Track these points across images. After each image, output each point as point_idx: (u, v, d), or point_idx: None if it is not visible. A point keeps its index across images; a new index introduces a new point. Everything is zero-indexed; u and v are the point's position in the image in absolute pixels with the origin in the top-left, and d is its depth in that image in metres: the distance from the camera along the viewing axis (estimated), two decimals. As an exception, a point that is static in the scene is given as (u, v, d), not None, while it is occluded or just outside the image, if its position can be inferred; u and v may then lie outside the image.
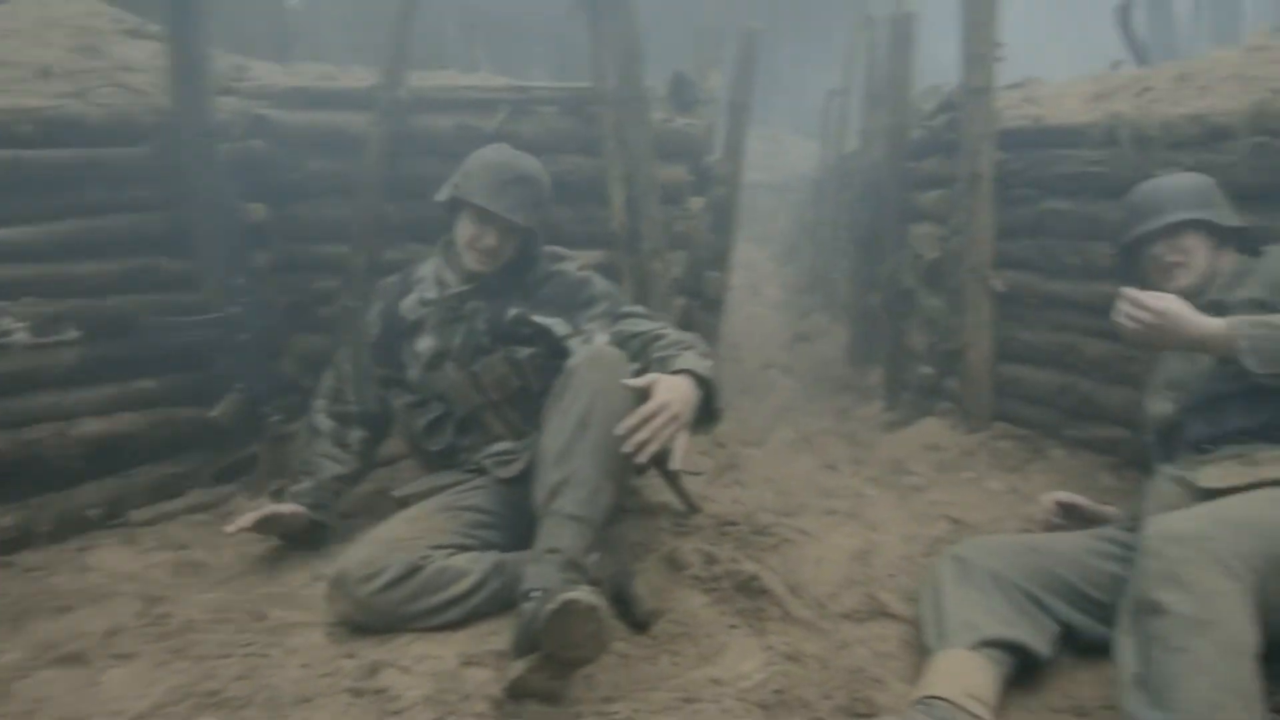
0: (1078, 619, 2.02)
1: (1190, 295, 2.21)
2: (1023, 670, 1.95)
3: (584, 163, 3.27)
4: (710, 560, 2.61)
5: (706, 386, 2.23)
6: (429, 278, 2.65)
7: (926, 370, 3.97)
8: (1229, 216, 2.36)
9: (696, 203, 3.47)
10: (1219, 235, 2.34)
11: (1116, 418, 3.20)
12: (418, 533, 2.21)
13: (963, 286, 3.59)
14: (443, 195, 2.57)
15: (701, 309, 3.85)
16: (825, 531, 2.95)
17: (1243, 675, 1.54)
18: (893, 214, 4.26)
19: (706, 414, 2.28)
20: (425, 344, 2.55)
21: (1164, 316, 2.00)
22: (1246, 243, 2.38)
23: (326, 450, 2.68)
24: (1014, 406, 3.62)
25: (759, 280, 10.36)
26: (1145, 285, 2.28)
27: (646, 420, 2.04)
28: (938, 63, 6.95)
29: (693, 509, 2.96)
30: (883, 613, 2.38)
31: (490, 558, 2.23)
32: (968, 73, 3.36)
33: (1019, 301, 3.52)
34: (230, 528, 2.43)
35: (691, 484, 3.24)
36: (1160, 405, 2.32)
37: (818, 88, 10.59)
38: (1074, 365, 3.35)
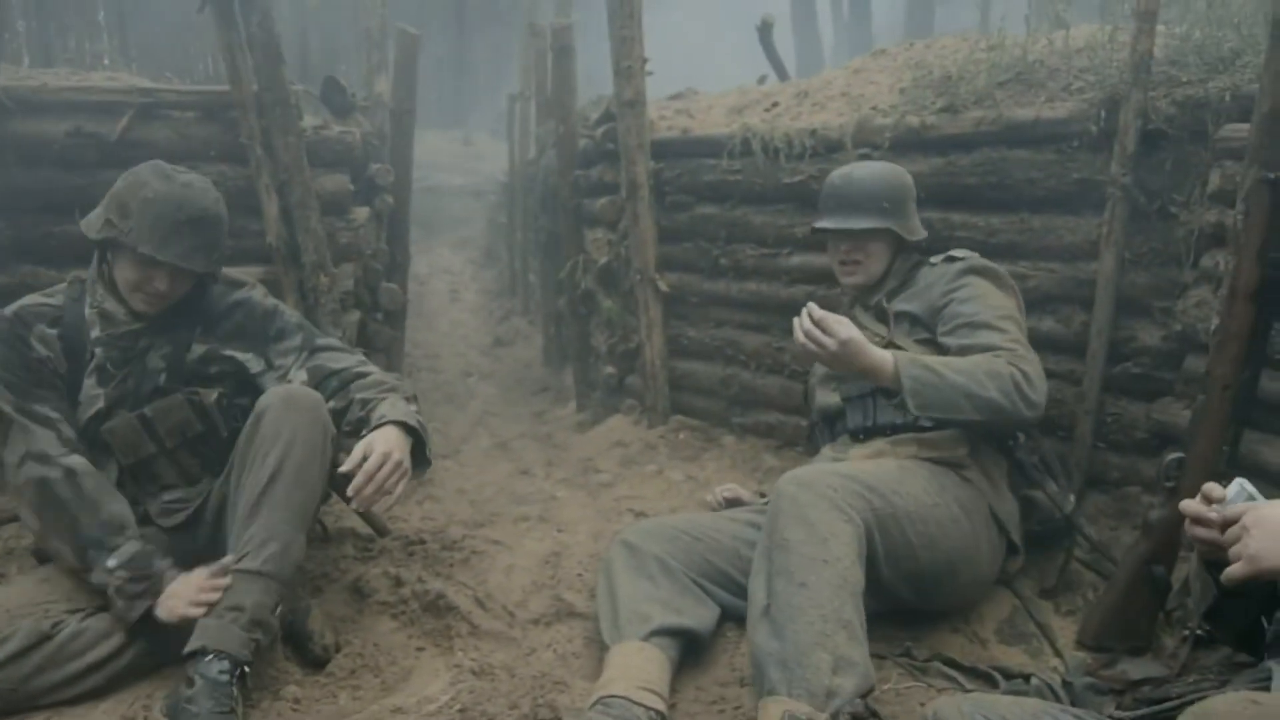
0: (735, 604, 2.18)
1: (862, 292, 2.48)
2: (690, 650, 2.10)
3: (230, 172, 3.03)
4: (397, 583, 2.54)
5: (415, 434, 2.16)
6: (89, 312, 2.18)
7: (610, 370, 4.13)
8: (914, 228, 2.45)
9: (361, 213, 3.33)
10: (901, 241, 2.44)
11: (774, 404, 3.53)
12: (51, 595, 1.95)
13: (634, 288, 3.77)
14: (95, 232, 2.10)
15: (381, 322, 3.72)
16: (516, 539, 2.98)
17: (849, 610, 1.76)
18: (569, 219, 4.38)
19: (417, 460, 2.20)
20: (95, 391, 2.15)
21: (845, 346, 2.07)
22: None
23: (111, 493, 2.09)
24: (688, 399, 3.86)
25: (458, 285, 10.26)
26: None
27: (371, 476, 1.98)
28: (600, 66, 7.25)
29: (381, 532, 2.86)
30: (569, 613, 2.45)
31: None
32: (619, 86, 3.52)
33: (683, 301, 3.76)
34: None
35: (378, 506, 3.14)
36: (826, 396, 2.46)
37: (510, 89, 10.65)
38: (735, 358, 3.64)
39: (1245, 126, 2.21)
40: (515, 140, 8.66)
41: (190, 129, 3.02)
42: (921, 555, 2.03)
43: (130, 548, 1.98)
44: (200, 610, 1.89)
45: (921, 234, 2.47)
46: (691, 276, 3.71)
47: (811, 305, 2.13)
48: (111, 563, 1.94)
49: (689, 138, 3.57)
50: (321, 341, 2.38)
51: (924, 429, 2.25)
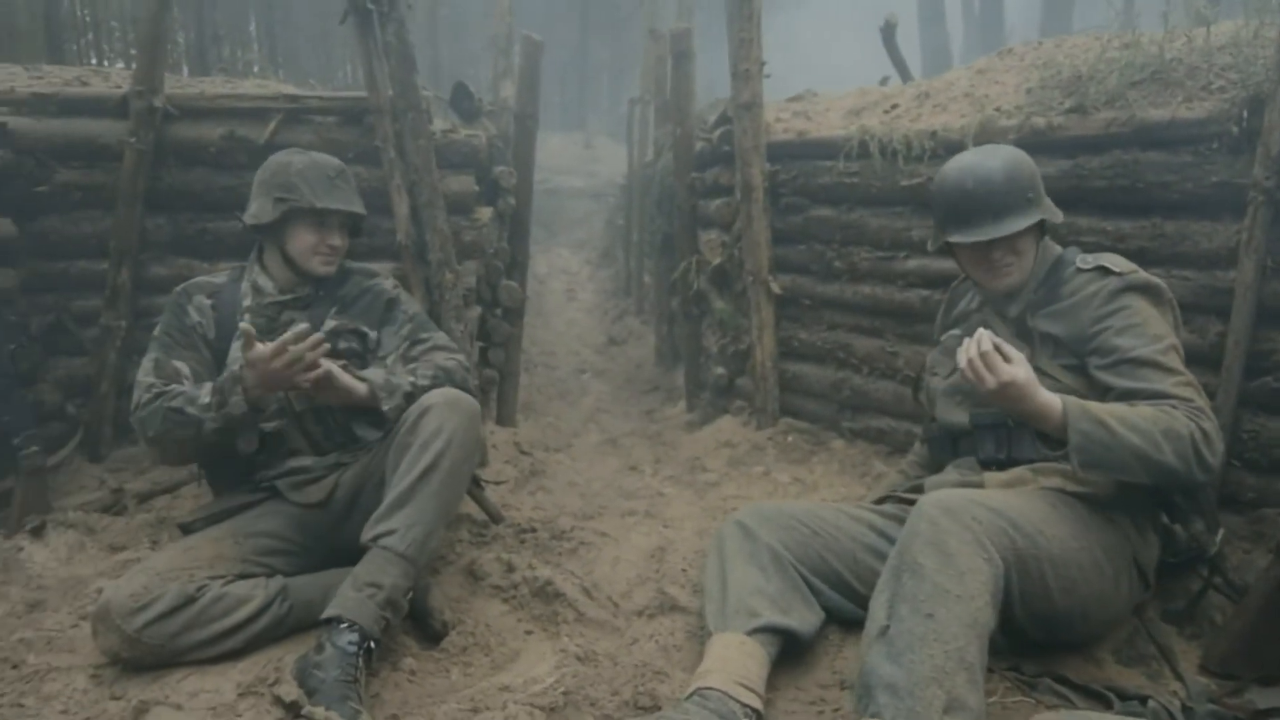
0: (845, 606, 2.17)
1: (1014, 291, 2.22)
2: (790, 648, 2.09)
3: (365, 173, 3.22)
4: (509, 568, 2.65)
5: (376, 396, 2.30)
6: (245, 285, 2.52)
7: (720, 371, 4.16)
8: (1052, 208, 2.20)
9: (485, 212, 3.48)
10: (1042, 226, 2.21)
11: (886, 409, 3.48)
12: (196, 561, 2.12)
13: (746, 290, 3.78)
14: (269, 216, 2.41)
15: (501, 318, 3.86)
16: (623, 532, 3.05)
17: (973, 650, 1.64)
18: (685, 221, 4.43)
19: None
20: (238, 354, 2.37)
21: (1005, 389, 1.92)
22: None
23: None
24: (798, 402, 3.85)
25: (575, 285, 10.48)
26: (963, 271, 2.30)
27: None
28: (719, 70, 7.25)
29: (494, 519, 2.98)
30: (672, 607, 2.49)
31: (276, 582, 2.17)
32: (736, 88, 3.55)
33: (796, 303, 3.75)
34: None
35: (494, 493, 3.27)
36: (953, 414, 2.27)
37: (630, 92, 10.80)
38: (847, 361, 3.61)
39: None
40: (634, 143, 8.78)
41: (331, 132, 3.22)
42: (1058, 600, 1.92)
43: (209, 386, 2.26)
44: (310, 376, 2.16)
45: (1059, 213, 2.21)
46: (805, 279, 3.70)
47: (984, 334, 1.95)
48: (204, 399, 2.21)
49: (805, 140, 3.56)
50: (423, 335, 2.56)
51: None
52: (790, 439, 3.74)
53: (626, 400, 5.52)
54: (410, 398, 2.31)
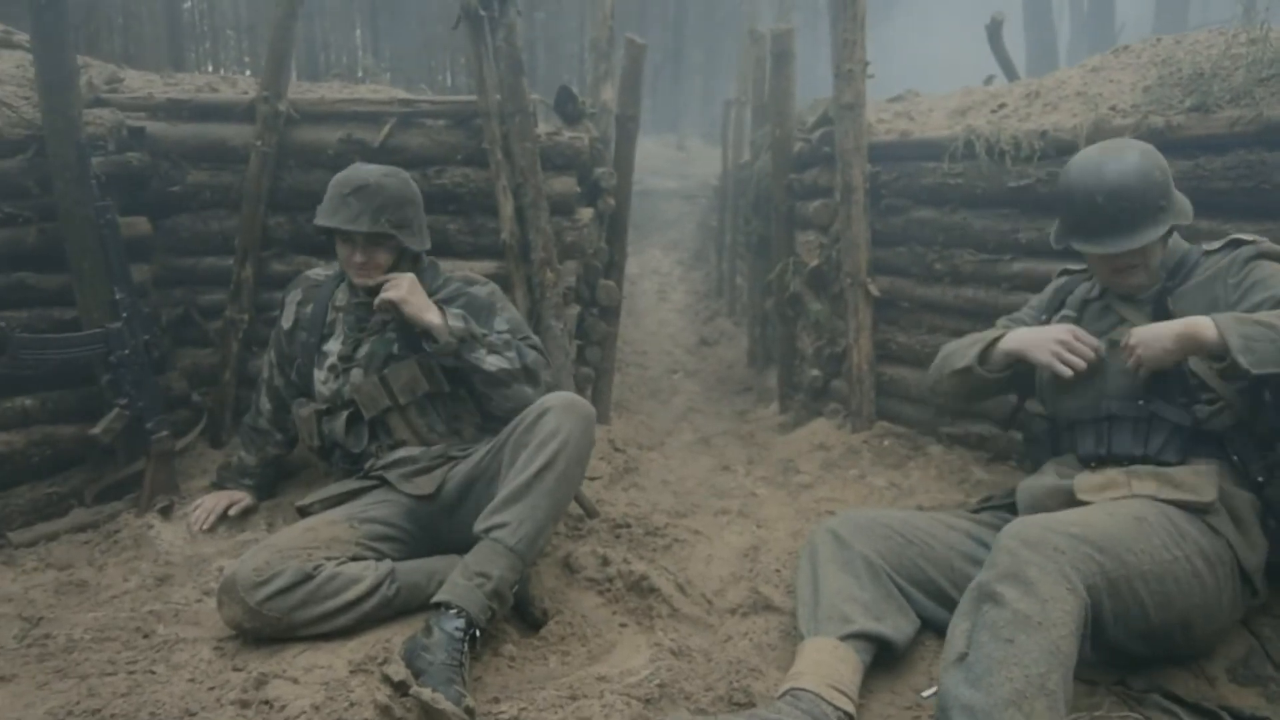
0: (941, 615, 2.13)
1: (1142, 289, 2.24)
2: (884, 656, 2.07)
3: (473, 174, 3.32)
4: (604, 562, 2.69)
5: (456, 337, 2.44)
6: (343, 285, 2.69)
7: (815, 373, 4.13)
8: (1181, 210, 2.18)
9: (586, 213, 3.54)
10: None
11: (986, 415, 3.40)
12: (313, 542, 2.23)
13: (844, 292, 3.75)
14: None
15: (597, 316, 3.93)
16: (716, 530, 3.07)
17: (1055, 679, 1.59)
18: (781, 222, 4.42)
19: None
20: (334, 347, 2.60)
21: (1140, 345, 2.02)
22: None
23: (264, 429, 2.89)
24: (894, 406, 3.80)
25: (667, 286, 10.53)
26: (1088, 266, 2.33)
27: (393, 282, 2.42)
28: (817, 71, 7.18)
29: (590, 513, 3.04)
30: (766, 606, 2.49)
31: (385, 565, 2.26)
32: (839, 89, 3.52)
33: (894, 306, 3.71)
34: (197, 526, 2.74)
35: (589, 488, 3.33)
36: (1060, 405, 2.30)
37: (725, 94, 10.80)
38: (946, 365, 3.53)
39: None
40: (729, 145, 8.78)
41: (441, 135, 3.34)
42: (1154, 615, 1.85)
43: (239, 467, 2.89)
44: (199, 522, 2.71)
45: (1188, 215, 2.18)
46: (904, 281, 3.65)
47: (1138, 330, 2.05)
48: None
49: (908, 141, 3.52)
50: (522, 335, 2.62)
51: (1165, 462, 2.08)
52: (886, 443, 3.69)
53: (718, 400, 5.53)
54: (485, 344, 2.46)
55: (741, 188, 7.97)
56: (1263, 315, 1.91)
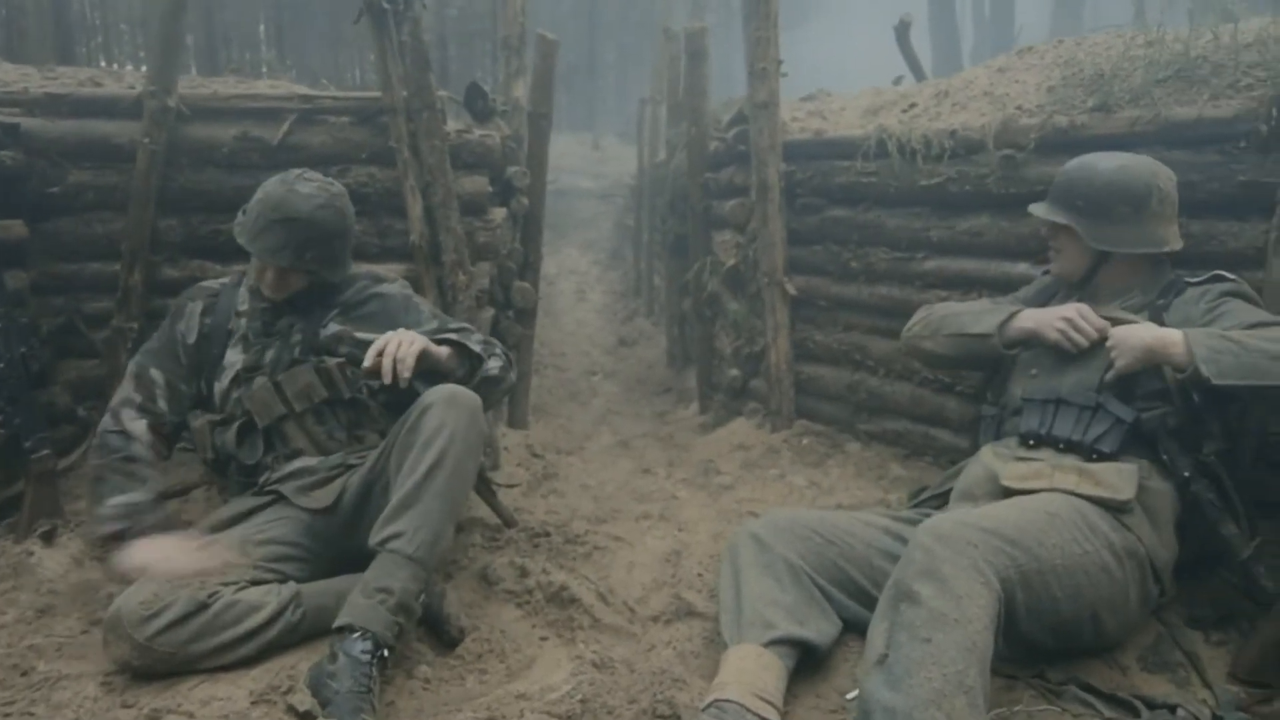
0: (862, 615, 2.13)
1: (1066, 276, 2.43)
2: (809, 659, 2.06)
3: (379, 173, 3.19)
4: (523, 573, 2.62)
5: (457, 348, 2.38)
6: (243, 290, 2.54)
7: (734, 373, 4.12)
8: (1136, 240, 2.28)
9: (499, 213, 3.45)
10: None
11: (903, 411, 3.45)
12: (207, 568, 2.09)
13: (761, 291, 3.75)
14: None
15: (513, 319, 3.84)
16: (638, 536, 3.02)
17: (973, 674, 1.62)
18: (698, 221, 4.39)
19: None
20: (235, 357, 2.45)
21: (1116, 345, 2.15)
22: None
23: (146, 458, 2.35)
24: (813, 404, 3.81)
25: (584, 286, 10.47)
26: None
27: (381, 351, 2.18)
28: (730, 70, 7.22)
29: (508, 523, 2.96)
30: (689, 612, 2.46)
31: (288, 589, 2.14)
32: (753, 87, 3.51)
33: (811, 304, 3.72)
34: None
35: (507, 496, 3.24)
36: (1014, 386, 2.42)
37: (639, 92, 10.77)
38: (863, 363, 3.57)
39: None
40: (644, 143, 8.76)
41: (344, 133, 3.20)
42: (1064, 607, 1.90)
43: (136, 498, 2.25)
44: (153, 571, 2.06)
45: (1149, 245, 2.29)
46: (820, 280, 3.66)
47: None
48: (114, 500, 2.22)
49: (822, 139, 3.53)
50: (454, 325, 2.54)
51: (1100, 451, 2.15)
52: (805, 442, 3.70)
53: (638, 402, 5.49)
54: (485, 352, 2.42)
55: (658, 187, 7.95)
56: (1229, 332, 2.05)
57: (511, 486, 3.41)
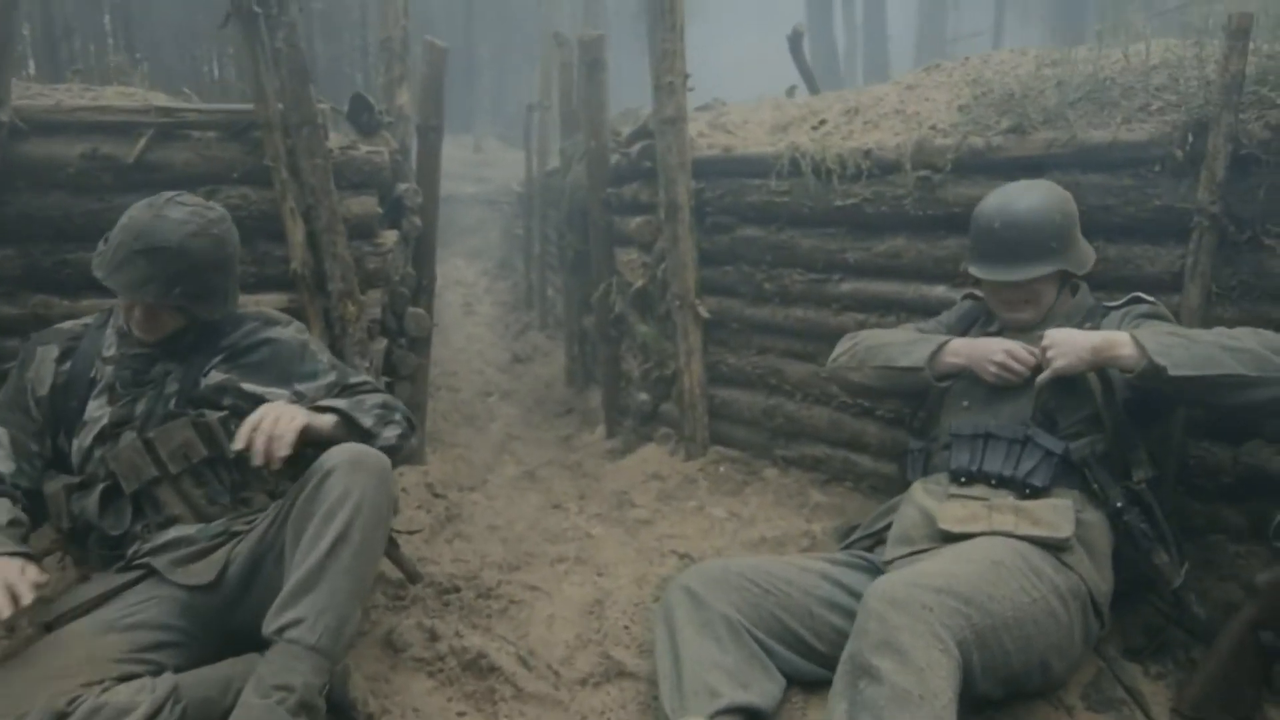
0: (804, 667, 2.06)
1: (1027, 327, 2.33)
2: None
3: (254, 195, 2.87)
4: (433, 636, 2.41)
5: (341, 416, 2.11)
6: (109, 332, 2.20)
7: (643, 397, 3.97)
8: (1079, 258, 2.29)
9: (390, 236, 3.17)
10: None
11: (821, 436, 3.36)
12: (65, 668, 1.78)
13: (671, 313, 3.60)
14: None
15: (407, 348, 3.56)
16: (555, 583, 2.83)
17: None
18: (600, 238, 4.22)
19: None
20: (99, 410, 2.10)
21: (1054, 345, 2.10)
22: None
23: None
24: (727, 429, 3.70)
25: (472, 298, 10.13)
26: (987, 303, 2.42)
27: (254, 428, 1.92)
28: (622, 77, 7.08)
29: (412, 578, 2.71)
30: (619, 673, 2.30)
31: (164, 683, 1.83)
32: (660, 102, 3.35)
33: (724, 326, 3.60)
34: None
35: (409, 544, 2.98)
36: (945, 419, 2.37)
37: (519, 94, 10.48)
38: (779, 387, 3.47)
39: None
40: (533, 150, 8.53)
41: (211, 150, 2.86)
42: (1015, 660, 1.84)
43: None
44: None
45: (1089, 264, 2.32)
46: (732, 301, 3.54)
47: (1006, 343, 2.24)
48: None
49: (732, 157, 3.40)
50: (354, 381, 2.30)
51: (1031, 485, 2.11)
52: (722, 469, 3.58)
53: (539, 425, 5.26)
54: (380, 420, 2.16)
55: (550, 196, 7.75)
56: (1175, 329, 2.09)
57: (413, 533, 3.15)
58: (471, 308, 9.58)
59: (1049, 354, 2.12)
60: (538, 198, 8.35)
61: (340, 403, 2.13)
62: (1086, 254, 2.32)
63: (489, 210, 13.15)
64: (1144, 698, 2.13)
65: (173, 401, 2.13)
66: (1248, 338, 2.00)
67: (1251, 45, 2.37)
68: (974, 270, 2.32)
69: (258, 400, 2.15)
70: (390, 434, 2.17)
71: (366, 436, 2.11)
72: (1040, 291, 2.28)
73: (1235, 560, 2.45)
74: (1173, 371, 1.94)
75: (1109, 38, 2.76)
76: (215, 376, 2.16)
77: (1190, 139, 2.38)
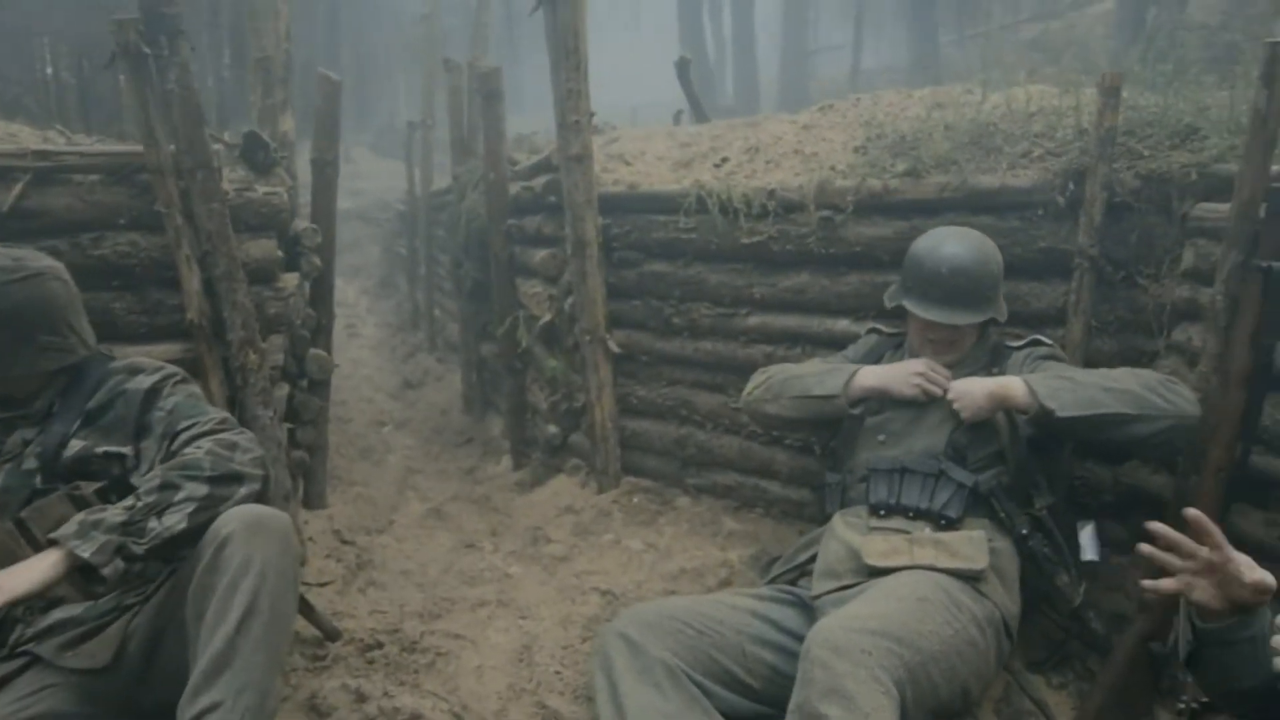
0: (740, 705, 2.11)
1: (949, 366, 2.45)
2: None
3: (143, 241, 2.72)
4: (360, 698, 2.34)
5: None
6: None
7: (552, 429, 3.95)
8: (1002, 308, 2.47)
9: (290, 279, 3.05)
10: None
11: (731, 464, 3.44)
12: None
13: (580, 347, 3.61)
14: None
15: (309, 391, 3.44)
16: (479, 630, 2.79)
17: None
18: (501, 269, 4.18)
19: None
20: None
21: (959, 398, 2.29)
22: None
23: None
24: (638, 459, 3.73)
25: (355, 319, 9.78)
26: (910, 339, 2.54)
27: None
28: (513, 102, 7.02)
29: (330, 635, 2.62)
30: (555, 721, 2.29)
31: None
32: (565, 140, 3.36)
33: (633, 359, 3.63)
34: None
35: (322, 598, 2.88)
36: (861, 453, 2.47)
37: (384, 102, 10.16)
38: (689, 418, 3.54)
39: (1219, 207, 2.26)
40: (415, 167, 8.34)
41: (95, 194, 2.68)
42: (942, 691, 1.93)
43: None
44: None
45: (1005, 314, 2.50)
46: (641, 335, 3.58)
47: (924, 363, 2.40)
48: None
49: (637, 194, 3.44)
50: (183, 425, 2.02)
51: (946, 517, 2.24)
52: (635, 500, 3.61)
53: (439, 456, 5.15)
54: (129, 529, 1.75)
55: (435, 215, 7.60)
56: (1063, 371, 2.28)
57: (325, 584, 3.05)
58: (355, 329, 9.27)
59: (955, 406, 2.30)
60: (422, 217, 8.17)
61: (145, 492, 1.82)
62: (1004, 303, 2.50)
63: (367, 226, 12.75)
64: (1050, 708, 2.29)
65: (37, 478, 1.94)
66: (1126, 378, 2.19)
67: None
68: (912, 308, 2.41)
69: (120, 460, 1.98)
70: (171, 521, 1.80)
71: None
72: (966, 334, 2.44)
73: (1119, 571, 2.66)
74: (1060, 413, 2.13)
75: (990, 87, 2.94)
76: (74, 446, 1.97)
77: (1070, 186, 2.57)
